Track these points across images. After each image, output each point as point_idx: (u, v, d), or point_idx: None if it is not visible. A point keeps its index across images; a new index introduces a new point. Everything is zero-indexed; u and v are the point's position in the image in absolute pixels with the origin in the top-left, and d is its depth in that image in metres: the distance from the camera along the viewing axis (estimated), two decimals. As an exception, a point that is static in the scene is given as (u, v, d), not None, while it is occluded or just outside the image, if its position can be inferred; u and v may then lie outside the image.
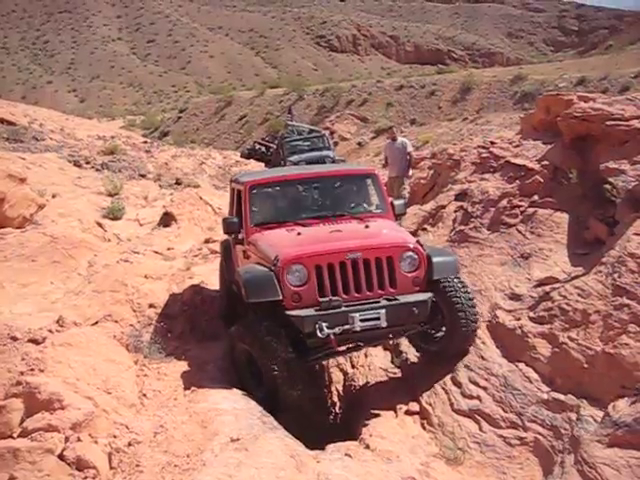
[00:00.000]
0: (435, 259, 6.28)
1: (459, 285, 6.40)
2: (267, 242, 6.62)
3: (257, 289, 6.12)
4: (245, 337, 6.28)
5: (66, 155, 19.01)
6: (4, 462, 4.56)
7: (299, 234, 6.56)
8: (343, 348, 6.38)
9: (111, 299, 8.28)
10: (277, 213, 7.33)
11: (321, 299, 5.87)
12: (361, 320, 5.81)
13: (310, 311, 5.84)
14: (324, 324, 5.72)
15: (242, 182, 7.50)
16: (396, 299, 6.01)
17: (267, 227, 7.02)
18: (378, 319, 5.86)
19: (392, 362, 7.39)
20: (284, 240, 6.50)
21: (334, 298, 5.87)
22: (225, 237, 8.42)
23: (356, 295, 5.99)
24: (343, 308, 5.85)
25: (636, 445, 4.76)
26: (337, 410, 7.54)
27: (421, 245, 6.38)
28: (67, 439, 4.85)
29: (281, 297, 5.96)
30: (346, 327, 5.79)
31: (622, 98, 9.02)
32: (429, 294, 6.16)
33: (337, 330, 5.76)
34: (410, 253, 6.20)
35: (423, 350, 7.00)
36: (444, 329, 6.54)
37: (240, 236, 7.32)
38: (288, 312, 5.91)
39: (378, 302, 5.96)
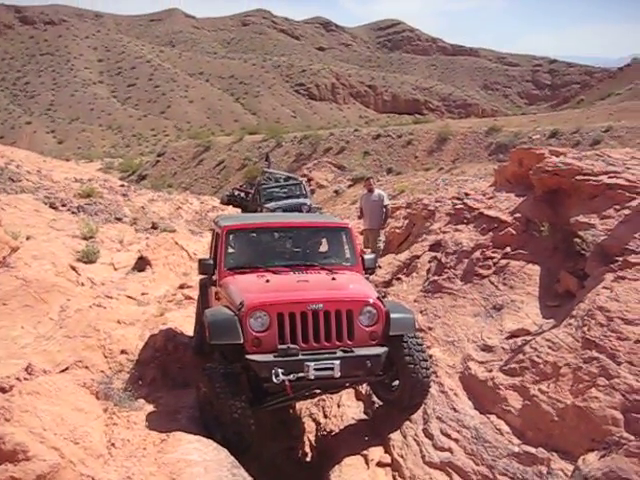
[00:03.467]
0: (393, 315, 6.43)
1: (414, 342, 6.56)
2: (236, 286, 6.77)
3: (220, 331, 6.27)
4: (205, 380, 6.43)
5: (42, 197, 18.92)
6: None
7: (267, 281, 6.72)
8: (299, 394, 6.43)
9: (82, 344, 8.19)
10: (250, 259, 7.47)
11: (280, 346, 6.01)
12: (315, 369, 5.95)
13: (268, 357, 5.99)
14: (280, 370, 5.87)
15: (220, 226, 7.69)
16: (352, 351, 6.14)
17: (239, 271, 7.17)
18: (332, 369, 5.99)
19: (365, 412, 7.36)
20: (252, 286, 6.66)
21: (292, 346, 6.01)
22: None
23: (314, 344, 6.13)
24: (300, 356, 5.99)
25: (606, 500, 4.75)
26: (308, 460, 7.46)
27: (382, 301, 6.56)
28: (30, 492, 4.73)
29: (242, 341, 6.09)
30: (301, 375, 5.93)
31: (591, 153, 9.25)
32: (384, 349, 6.29)
33: (292, 377, 5.90)
34: (370, 308, 6.37)
35: (381, 398, 7.11)
36: (397, 382, 6.68)
37: (214, 278, 7.47)
38: (247, 356, 6.05)
39: (334, 353, 6.09)
